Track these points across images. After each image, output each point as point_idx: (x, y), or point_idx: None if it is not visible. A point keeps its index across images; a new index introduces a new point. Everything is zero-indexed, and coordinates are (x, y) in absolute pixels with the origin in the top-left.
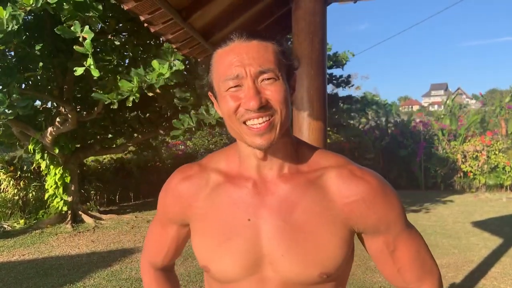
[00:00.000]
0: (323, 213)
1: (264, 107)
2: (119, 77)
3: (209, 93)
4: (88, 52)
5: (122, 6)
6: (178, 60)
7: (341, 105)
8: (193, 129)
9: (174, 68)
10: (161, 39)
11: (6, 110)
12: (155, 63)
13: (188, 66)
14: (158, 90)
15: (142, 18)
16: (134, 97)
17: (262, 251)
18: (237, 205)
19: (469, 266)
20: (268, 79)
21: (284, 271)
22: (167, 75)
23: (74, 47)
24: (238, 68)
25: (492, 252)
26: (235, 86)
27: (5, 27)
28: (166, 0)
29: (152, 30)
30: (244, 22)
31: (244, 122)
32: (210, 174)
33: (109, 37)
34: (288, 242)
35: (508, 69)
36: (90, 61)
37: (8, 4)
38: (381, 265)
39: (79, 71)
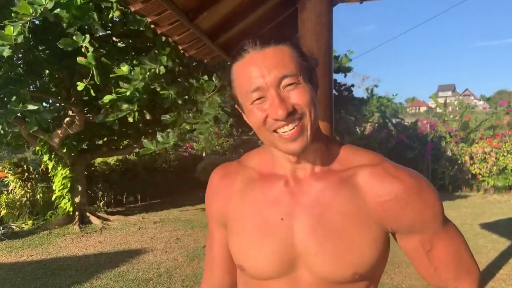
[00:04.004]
0: (355, 212)
1: (292, 113)
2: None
3: (236, 106)
4: (91, 65)
5: (129, 8)
6: (164, 64)
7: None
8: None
9: (158, 73)
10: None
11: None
12: (126, 68)
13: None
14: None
15: (149, 20)
16: (133, 115)
17: (295, 251)
18: (270, 204)
19: None
20: (290, 84)
21: (317, 270)
22: (137, 84)
23: (77, 59)
24: (258, 80)
25: (501, 254)
26: (259, 98)
27: (13, 41)
28: (173, 1)
29: (159, 31)
30: (251, 23)
31: (275, 131)
32: (246, 171)
33: (114, 39)
34: (321, 241)
35: None
36: (94, 78)
37: (15, 19)
38: (416, 264)
39: (80, 86)
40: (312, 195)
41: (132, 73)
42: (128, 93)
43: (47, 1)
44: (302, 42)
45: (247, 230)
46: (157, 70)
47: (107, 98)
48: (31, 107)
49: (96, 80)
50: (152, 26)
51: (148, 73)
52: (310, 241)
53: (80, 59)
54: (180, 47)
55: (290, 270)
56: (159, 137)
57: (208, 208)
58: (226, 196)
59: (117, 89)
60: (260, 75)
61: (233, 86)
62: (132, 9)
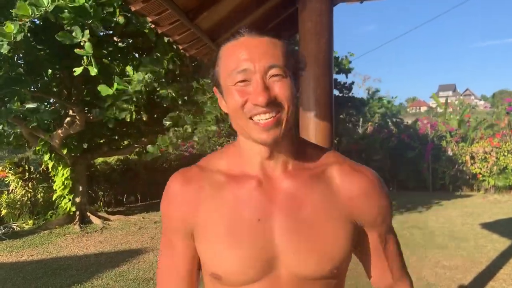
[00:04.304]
0: (329, 208)
1: (272, 103)
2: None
3: (214, 88)
4: (88, 54)
5: (130, 7)
6: (165, 66)
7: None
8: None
9: (159, 75)
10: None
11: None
12: (129, 69)
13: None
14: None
15: (149, 19)
16: (130, 115)
17: (274, 251)
18: (244, 205)
19: (477, 268)
20: (277, 75)
21: (297, 269)
22: (136, 87)
23: (75, 50)
24: (247, 62)
25: (501, 254)
26: (243, 81)
27: (12, 39)
28: (173, 1)
29: (159, 31)
30: (251, 23)
31: (251, 118)
32: (211, 175)
33: (115, 39)
34: (299, 239)
35: None
36: (89, 61)
37: (15, 19)
38: (374, 260)
39: (78, 70)
40: (286, 193)
41: (133, 75)
42: (130, 91)
43: (48, 4)
44: (302, 41)
45: (221, 235)
46: (158, 72)
47: (104, 91)
48: (30, 106)
49: (91, 71)
50: (153, 26)
51: (149, 75)
52: (288, 239)
53: (77, 50)
54: (181, 47)
55: (269, 271)
56: (159, 140)
57: (167, 218)
58: (192, 203)
59: (117, 86)
60: (250, 58)
61: (217, 64)
62: (133, 8)
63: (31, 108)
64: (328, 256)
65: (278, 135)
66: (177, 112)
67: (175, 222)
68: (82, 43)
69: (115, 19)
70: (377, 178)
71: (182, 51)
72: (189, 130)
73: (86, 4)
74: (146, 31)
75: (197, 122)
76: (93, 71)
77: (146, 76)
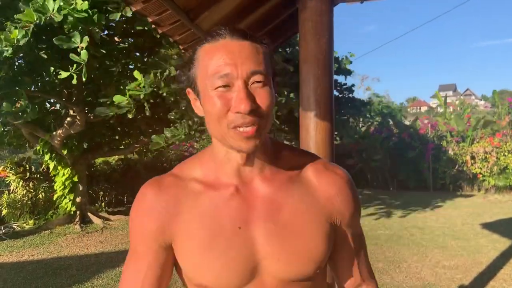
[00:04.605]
0: (308, 210)
1: (254, 111)
2: (122, 86)
3: (188, 89)
4: (83, 62)
5: (130, 8)
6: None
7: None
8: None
9: (165, 74)
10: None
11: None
12: (137, 73)
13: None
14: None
15: (149, 20)
16: (131, 111)
17: (257, 257)
18: (223, 214)
19: (478, 268)
20: (259, 82)
21: (281, 273)
22: (146, 89)
23: (70, 55)
24: (230, 67)
25: (501, 254)
26: (224, 86)
27: (15, 43)
28: (173, 1)
29: (160, 31)
30: (251, 23)
31: (234, 127)
32: (187, 183)
33: (116, 39)
34: (281, 243)
35: None
36: (80, 68)
37: (17, 21)
38: (343, 259)
39: (63, 74)
40: (264, 198)
41: (141, 79)
42: (141, 97)
43: (54, 11)
44: (302, 41)
45: (202, 246)
46: (167, 71)
47: (117, 99)
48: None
49: (83, 76)
50: (153, 26)
51: (158, 76)
52: (271, 244)
53: (72, 56)
54: (181, 47)
55: (253, 277)
56: (167, 132)
57: (140, 229)
58: (168, 214)
59: (129, 92)
60: (232, 63)
61: (194, 66)
62: (133, 9)
63: (18, 109)
64: (310, 257)
65: (258, 144)
66: (184, 106)
67: (148, 234)
68: (79, 49)
69: (120, 14)
70: (350, 178)
71: (182, 51)
72: (197, 121)
73: (89, 11)
74: (147, 28)
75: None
76: (85, 76)
77: (151, 76)
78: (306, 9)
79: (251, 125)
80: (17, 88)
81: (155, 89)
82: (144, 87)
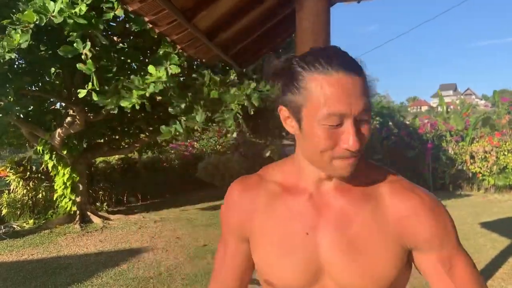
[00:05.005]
0: (377, 227)
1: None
2: (120, 86)
3: (281, 107)
4: (90, 72)
5: (127, 7)
6: (174, 64)
7: None
8: (182, 135)
9: (170, 72)
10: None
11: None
12: (151, 68)
13: (185, 72)
14: (159, 97)
15: (146, 19)
16: (136, 104)
17: (321, 263)
18: (295, 218)
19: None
20: (365, 120)
21: (342, 282)
22: (164, 79)
23: (77, 66)
24: (344, 107)
25: (500, 253)
26: (336, 124)
27: (16, 46)
28: (170, 1)
29: (157, 30)
30: (248, 23)
31: (333, 158)
32: (268, 184)
33: (115, 39)
34: (345, 254)
35: None
36: (93, 83)
37: (16, 22)
38: (436, 284)
39: (82, 93)
40: (336, 209)
41: (156, 72)
42: (148, 94)
43: (54, 13)
44: (299, 41)
45: (273, 245)
46: (168, 70)
47: (125, 103)
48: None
49: (95, 86)
50: (150, 25)
51: (163, 75)
52: (334, 254)
53: (80, 66)
54: (179, 46)
55: (316, 281)
56: (177, 126)
57: (226, 221)
58: (249, 210)
59: (137, 93)
60: (347, 102)
61: (300, 93)
62: (130, 8)
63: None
64: (372, 274)
65: (353, 170)
66: (187, 102)
67: (231, 226)
68: (83, 57)
69: (112, 14)
70: (431, 199)
71: (180, 50)
72: (201, 118)
73: (87, 14)
74: (144, 28)
75: (215, 110)
76: (96, 97)
77: (163, 76)
78: (303, 9)
79: (353, 158)
80: (12, 86)
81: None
82: (157, 82)
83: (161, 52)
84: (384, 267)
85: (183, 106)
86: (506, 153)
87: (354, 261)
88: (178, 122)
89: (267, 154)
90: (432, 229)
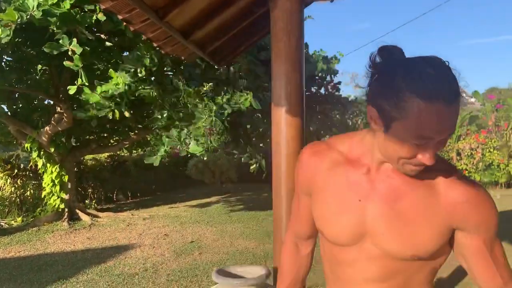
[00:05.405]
0: (426, 207)
1: None
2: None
3: (371, 107)
4: (78, 68)
5: (99, 6)
6: (146, 65)
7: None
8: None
9: (140, 75)
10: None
11: None
12: (111, 72)
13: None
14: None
15: (120, 17)
16: (111, 113)
17: (366, 228)
18: (351, 186)
19: (458, 262)
20: (445, 138)
21: (381, 246)
22: (120, 86)
23: (64, 63)
24: (436, 134)
25: None
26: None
27: None
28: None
29: (131, 28)
30: (223, 22)
31: (405, 163)
32: (333, 153)
33: (103, 36)
34: (389, 224)
35: (507, 68)
36: (82, 78)
37: (1, 26)
38: (481, 266)
39: (72, 89)
40: (389, 185)
41: (116, 78)
42: (109, 93)
43: (34, 9)
44: (273, 40)
45: (329, 203)
46: (138, 71)
47: (93, 99)
48: None
49: (84, 81)
50: (125, 23)
51: (130, 74)
52: (379, 222)
53: (67, 63)
54: (155, 44)
55: (359, 241)
56: (161, 151)
57: (297, 178)
58: (314, 172)
59: (101, 90)
60: (439, 130)
61: (398, 110)
62: (102, 7)
63: None
64: (412, 244)
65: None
66: (163, 114)
67: (300, 183)
68: (70, 53)
69: (95, 17)
70: (484, 191)
71: (157, 48)
72: (180, 135)
73: (71, 11)
74: (122, 28)
75: (188, 124)
76: (86, 80)
77: (127, 75)
78: (277, 8)
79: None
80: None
81: (130, 88)
82: (119, 84)
83: (130, 56)
84: (425, 239)
85: (163, 121)
86: (491, 150)
87: (397, 230)
88: (162, 146)
89: (252, 167)
90: (483, 216)
